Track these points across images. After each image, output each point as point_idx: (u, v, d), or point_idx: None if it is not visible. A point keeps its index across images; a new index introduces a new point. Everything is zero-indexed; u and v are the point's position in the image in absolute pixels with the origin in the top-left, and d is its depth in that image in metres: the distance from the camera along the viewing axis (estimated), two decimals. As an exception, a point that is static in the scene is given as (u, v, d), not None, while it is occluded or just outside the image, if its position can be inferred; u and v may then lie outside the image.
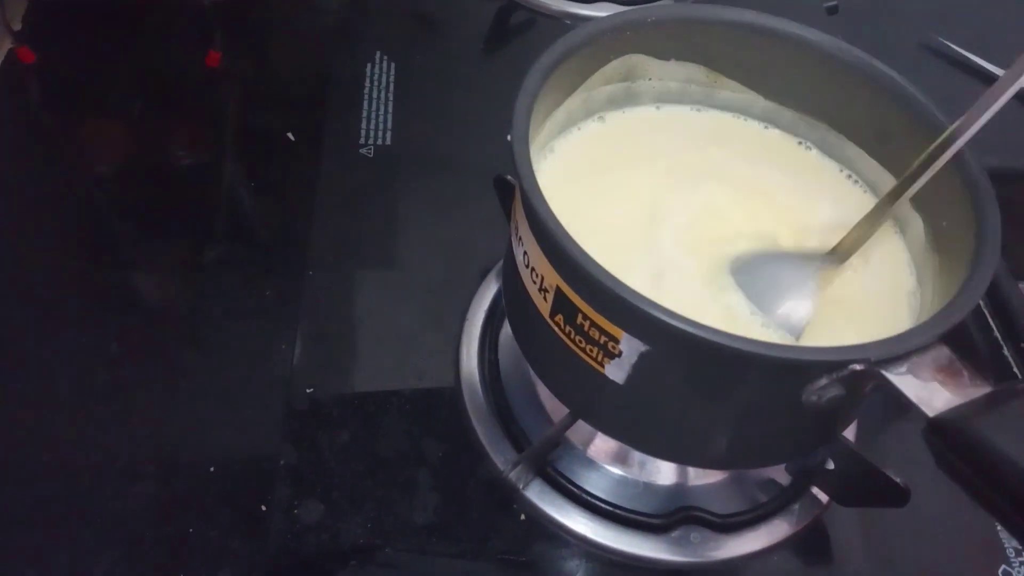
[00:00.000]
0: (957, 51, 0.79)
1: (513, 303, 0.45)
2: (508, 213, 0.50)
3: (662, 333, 0.34)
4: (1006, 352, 0.60)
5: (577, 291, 0.37)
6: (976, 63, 0.78)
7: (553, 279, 0.38)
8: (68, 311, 0.59)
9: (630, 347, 0.36)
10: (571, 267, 0.36)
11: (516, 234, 0.42)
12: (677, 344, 0.35)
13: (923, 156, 0.39)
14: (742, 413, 0.38)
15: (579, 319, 0.37)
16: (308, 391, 0.51)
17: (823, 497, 0.48)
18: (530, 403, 0.50)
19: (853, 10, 0.77)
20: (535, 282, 0.40)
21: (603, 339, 0.37)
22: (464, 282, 0.56)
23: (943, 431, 0.32)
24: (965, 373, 0.33)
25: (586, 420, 0.44)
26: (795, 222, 0.45)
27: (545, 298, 0.39)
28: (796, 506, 0.47)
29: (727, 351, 0.33)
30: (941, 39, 0.80)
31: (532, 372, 0.49)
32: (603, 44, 0.45)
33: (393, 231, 0.59)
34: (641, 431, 0.41)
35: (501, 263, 0.55)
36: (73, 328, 0.58)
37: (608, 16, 0.45)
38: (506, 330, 0.53)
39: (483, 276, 0.56)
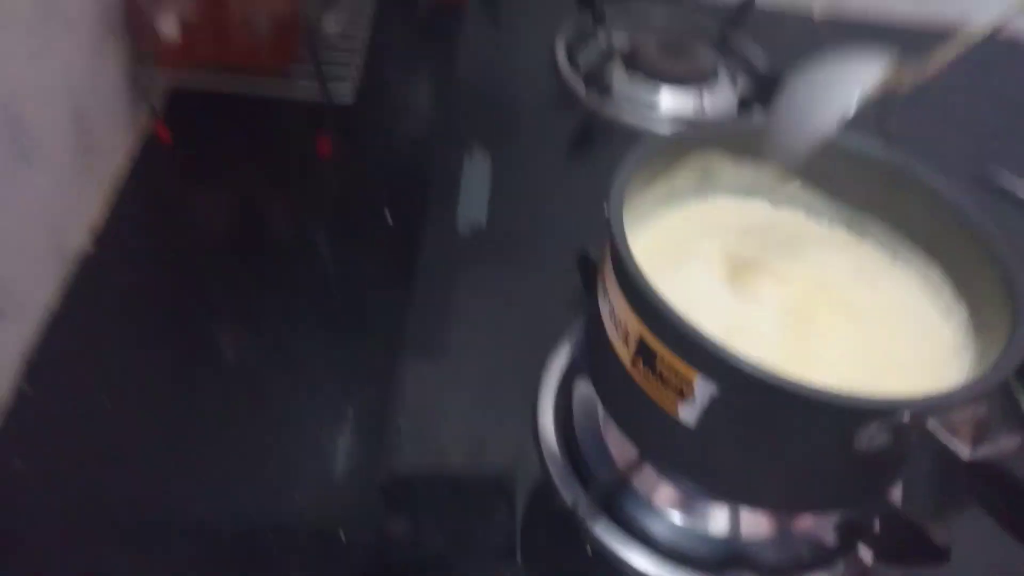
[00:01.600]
0: (1012, 183, 0.84)
1: (594, 356, 0.51)
2: (587, 286, 0.57)
3: (732, 374, 0.40)
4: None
5: (658, 336, 0.43)
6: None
7: (637, 328, 0.44)
8: (160, 369, 0.66)
9: (702, 389, 0.42)
10: (654, 316, 0.42)
11: (603, 292, 0.48)
12: (745, 385, 0.40)
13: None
14: (801, 456, 0.43)
15: (657, 364, 0.43)
16: (398, 423, 0.57)
17: (867, 558, 0.51)
18: (599, 452, 0.56)
19: (905, 141, 0.84)
20: (619, 332, 0.46)
21: (678, 382, 0.43)
22: (543, 348, 0.62)
23: (980, 471, 0.36)
24: (998, 426, 0.38)
25: (653, 461, 0.49)
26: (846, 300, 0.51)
27: (627, 346, 0.45)
28: (841, 562, 0.51)
29: (792, 394, 0.38)
30: (996, 170, 0.85)
31: (601, 426, 0.55)
32: (686, 144, 0.53)
33: (482, 303, 0.66)
34: (705, 470, 0.46)
35: (577, 329, 0.61)
36: (163, 386, 0.65)
37: (692, 127, 0.53)
38: (578, 389, 0.59)
39: (559, 342, 0.62)
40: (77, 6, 0.70)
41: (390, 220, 0.80)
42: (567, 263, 0.59)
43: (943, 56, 0.45)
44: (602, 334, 0.48)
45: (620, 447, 0.54)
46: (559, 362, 0.61)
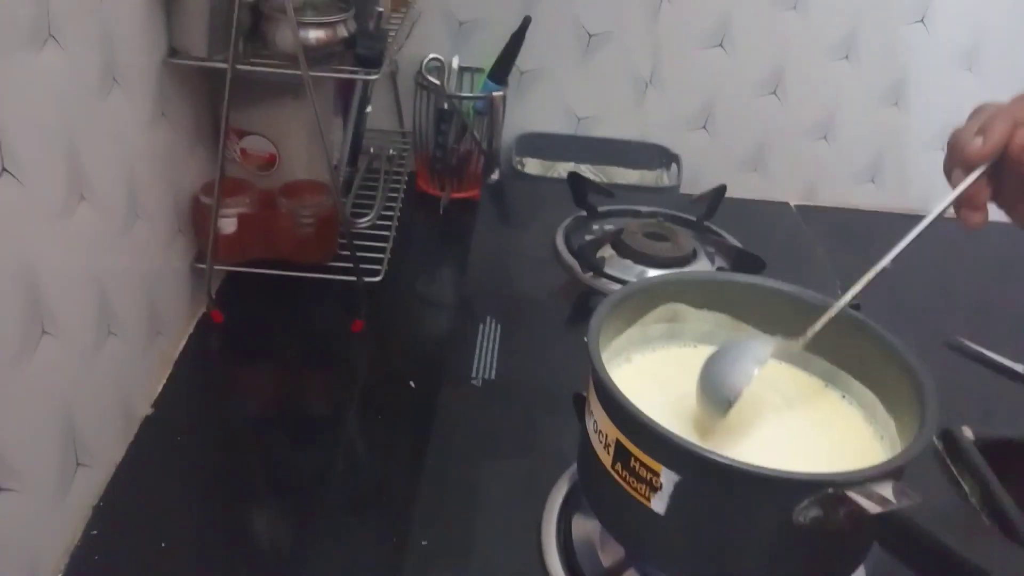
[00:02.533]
0: (976, 350, 0.94)
1: (585, 469, 0.60)
2: (580, 417, 0.67)
3: (689, 461, 0.50)
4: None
5: (630, 438, 0.52)
6: (994, 359, 0.93)
7: (613, 433, 0.54)
8: (208, 514, 0.76)
9: (668, 479, 0.51)
10: (624, 418, 0.52)
11: (589, 412, 0.58)
12: (701, 470, 0.50)
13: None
14: (755, 536, 0.51)
15: (632, 462, 0.53)
16: (421, 543, 0.65)
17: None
18: (591, 559, 0.63)
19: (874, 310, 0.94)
20: (601, 441, 0.56)
21: (648, 475, 0.52)
22: (548, 480, 0.70)
23: (891, 523, 0.45)
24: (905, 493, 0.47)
25: (632, 551, 0.57)
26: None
27: (608, 451, 0.55)
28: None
29: (738, 473, 0.48)
30: (961, 339, 0.95)
31: (594, 540, 0.64)
32: (653, 293, 0.65)
33: (492, 438, 0.75)
34: (676, 557, 0.55)
35: (574, 464, 0.70)
36: (211, 529, 0.74)
37: (658, 275, 0.65)
38: (577, 514, 0.67)
39: (560, 471, 0.71)
40: (156, 205, 0.85)
41: (412, 385, 0.91)
42: (564, 405, 0.69)
43: (818, 325, 0.59)
44: (589, 447, 0.57)
45: (608, 555, 0.62)
46: (562, 490, 0.69)
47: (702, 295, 0.66)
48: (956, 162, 0.56)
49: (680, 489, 0.51)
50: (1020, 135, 0.53)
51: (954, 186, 0.56)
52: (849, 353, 0.63)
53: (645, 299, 0.64)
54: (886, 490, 0.47)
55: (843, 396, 0.63)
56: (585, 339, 0.57)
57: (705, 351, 0.62)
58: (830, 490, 0.48)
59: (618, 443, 0.54)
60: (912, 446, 0.51)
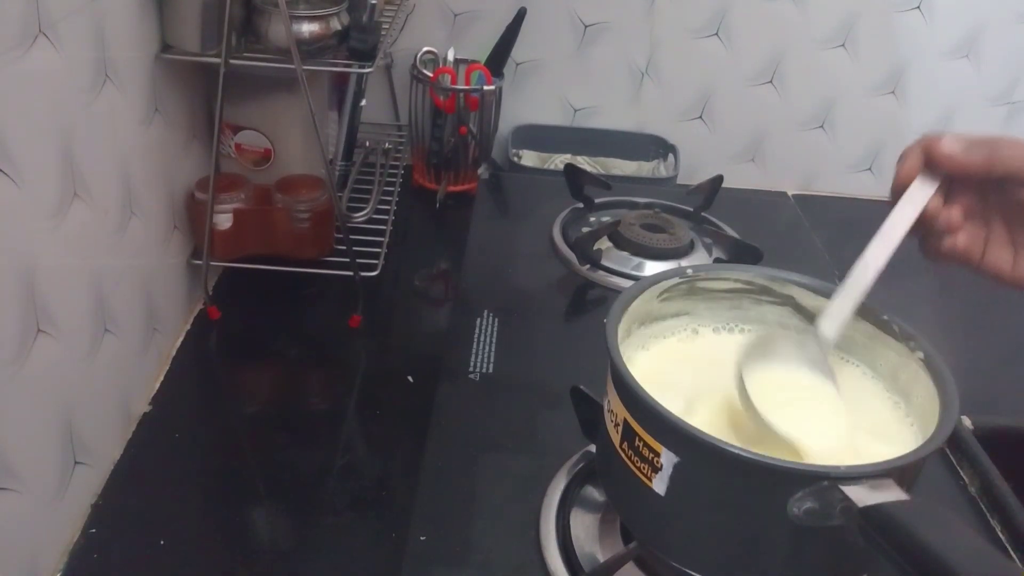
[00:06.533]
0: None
1: (600, 451, 0.62)
2: (579, 415, 0.68)
3: (683, 441, 0.50)
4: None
5: (635, 416, 0.53)
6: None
7: (622, 412, 0.54)
8: (206, 511, 0.76)
9: (667, 459, 0.52)
10: (630, 397, 0.53)
11: (605, 395, 0.58)
12: (697, 452, 0.50)
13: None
14: (749, 523, 0.51)
15: (636, 441, 0.53)
16: (420, 537, 0.65)
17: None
18: (590, 554, 0.64)
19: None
20: (612, 421, 0.56)
21: (650, 455, 0.52)
22: (547, 474, 0.70)
23: (872, 516, 0.45)
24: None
25: (635, 531, 0.58)
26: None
27: (616, 430, 0.56)
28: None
29: (732, 458, 0.48)
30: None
31: (594, 534, 0.64)
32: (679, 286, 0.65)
33: (489, 432, 0.75)
34: (674, 538, 0.55)
35: (573, 458, 0.71)
36: (210, 525, 0.74)
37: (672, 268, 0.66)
38: (575, 515, 0.67)
39: (559, 467, 0.71)
40: (151, 202, 0.85)
41: (410, 380, 0.91)
42: (562, 398, 0.69)
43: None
44: (605, 429, 0.58)
45: (607, 550, 0.63)
46: (560, 484, 0.69)
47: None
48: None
49: (679, 470, 0.51)
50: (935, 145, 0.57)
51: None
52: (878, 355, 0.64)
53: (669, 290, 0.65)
54: (883, 487, 0.47)
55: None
56: (605, 320, 0.58)
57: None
58: (825, 483, 0.48)
59: (625, 423, 0.54)
60: (919, 450, 0.50)
